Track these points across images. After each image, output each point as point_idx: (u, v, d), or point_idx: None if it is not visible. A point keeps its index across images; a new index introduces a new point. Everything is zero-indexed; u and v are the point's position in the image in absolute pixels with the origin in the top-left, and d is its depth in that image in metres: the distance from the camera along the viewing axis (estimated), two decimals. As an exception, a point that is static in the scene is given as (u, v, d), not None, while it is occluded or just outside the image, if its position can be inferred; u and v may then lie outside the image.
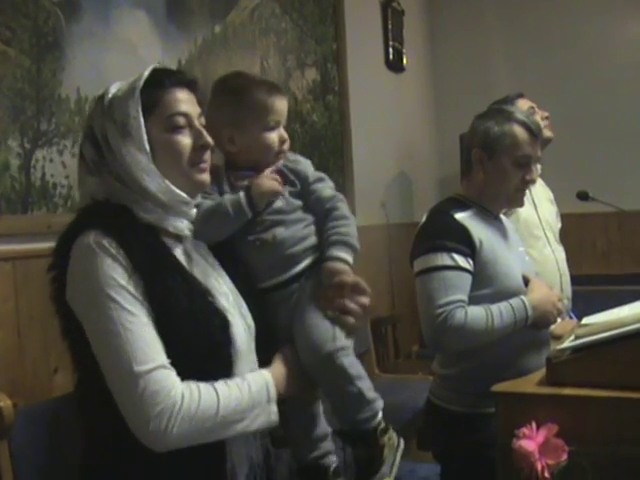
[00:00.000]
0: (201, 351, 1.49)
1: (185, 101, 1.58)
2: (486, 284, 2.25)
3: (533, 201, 3.27)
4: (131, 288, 1.44)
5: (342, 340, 1.66)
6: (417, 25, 6.08)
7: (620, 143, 5.55)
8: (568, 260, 3.38)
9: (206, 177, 1.61)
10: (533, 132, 2.33)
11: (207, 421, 1.43)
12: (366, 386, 1.69)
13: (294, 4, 4.28)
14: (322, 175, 1.81)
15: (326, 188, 1.78)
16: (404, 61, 5.71)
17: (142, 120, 1.52)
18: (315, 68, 4.50)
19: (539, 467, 1.68)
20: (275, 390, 1.55)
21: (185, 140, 1.57)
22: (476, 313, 2.18)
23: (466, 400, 2.29)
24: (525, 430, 1.72)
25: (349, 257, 1.68)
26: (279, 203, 1.71)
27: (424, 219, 2.45)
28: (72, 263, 1.48)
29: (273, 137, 1.75)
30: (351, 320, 1.67)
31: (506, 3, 5.99)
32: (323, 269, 1.67)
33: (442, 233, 2.27)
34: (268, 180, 1.68)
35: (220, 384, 1.48)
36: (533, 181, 2.40)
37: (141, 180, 1.51)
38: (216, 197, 1.71)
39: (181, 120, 1.56)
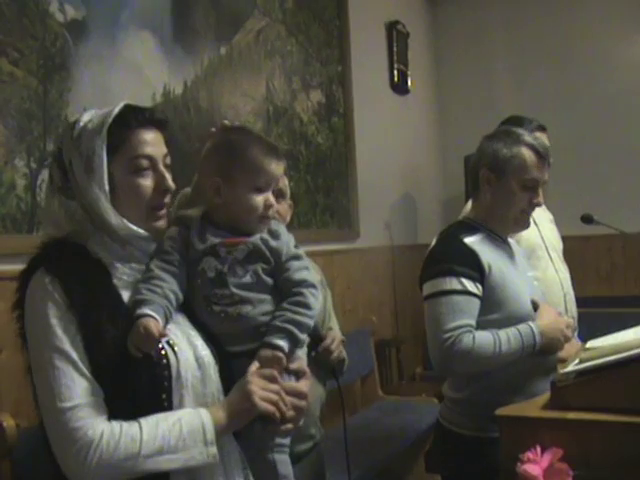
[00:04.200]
0: (135, 386, 1.48)
1: (150, 143, 1.59)
2: (495, 309, 2.25)
3: (535, 222, 3.27)
4: (63, 326, 1.46)
5: (280, 437, 1.65)
6: (422, 48, 6.12)
7: (624, 165, 5.56)
8: (572, 281, 3.37)
9: (162, 224, 1.63)
10: (541, 155, 2.33)
11: (128, 460, 1.43)
12: None
13: (300, 26, 4.31)
14: (299, 253, 1.74)
15: (299, 270, 1.70)
16: (409, 83, 5.74)
17: (105, 159, 1.53)
18: (320, 90, 4.52)
19: (544, 491, 1.68)
20: (213, 429, 1.50)
21: (146, 183, 1.58)
22: (484, 338, 2.17)
23: (475, 424, 2.28)
24: (530, 454, 1.72)
25: (282, 343, 1.62)
26: (249, 279, 1.65)
27: (434, 243, 2.45)
28: (25, 302, 1.52)
29: (258, 200, 1.68)
30: (286, 423, 1.63)
31: (511, 26, 6.03)
32: (257, 355, 1.61)
33: (451, 257, 2.27)
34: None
35: (148, 423, 1.46)
36: (540, 204, 2.39)
37: (102, 214, 1.54)
38: (175, 245, 1.65)
39: (144, 163, 1.58)
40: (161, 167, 1.60)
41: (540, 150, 2.33)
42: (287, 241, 1.72)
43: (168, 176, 1.61)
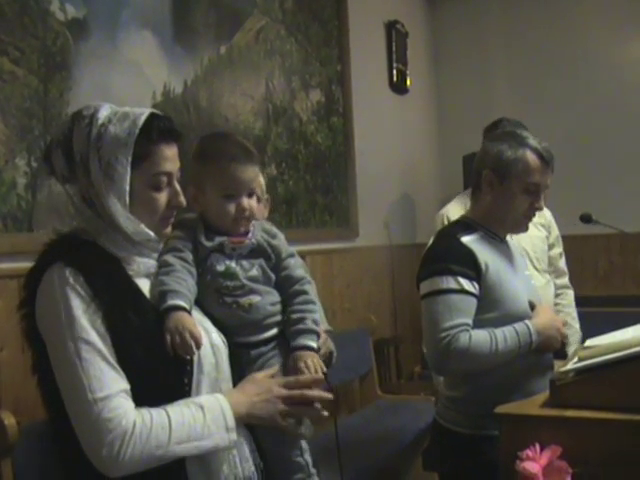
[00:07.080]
0: (159, 374, 1.53)
1: (170, 159, 1.62)
2: (492, 308, 2.25)
3: None
4: (88, 317, 1.48)
5: None
6: (421, 47, 6.12)
7: (623, 165, 5.56)
8: (571, 280, 3.36)
9: (169, 229, 1.69)
10: (545, 160, 2.33)
11: (159, 448, 1.47)
12: (311, 461, 1.77)
13: (299, 26, 4.31)
14: (293, 251, 1.86)
15: (297, 267, 1.82)
16: (408, 83, 5.74)
17: (129, 172, 1.54)
18: (319, 89, 4.53)
19: (542, 489, 1.68)
20: (233, 416, 1.56)
21: (163, 199, 1.62)
22: (480, 337, 2.18)
23: (472, 422, 2.29)
24: (529, 452, 1.72)
25: (315, 345, 1.75)
26: (255, 272, 1.74)
27: (431, 242, 2.45)
28: (39, 297, 1.52)
29: (229, 207, 1.74)
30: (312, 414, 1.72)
31: (510, 25, 6.03)
32: (293, 357, 1.71)
33: (448, 256, 2.27)
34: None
35: (174, 411, 1.51)
36: (540, 208, 2.39)
37: (115, 219, 1.56)
38: (187, 245, 1.72)
39: (164, 180, 1.61)
40: (175, 183, 1.64)
41: (544, 154, 2.32)
42: (284, 240, 1.84)
43: (181, 192, 1.65)
